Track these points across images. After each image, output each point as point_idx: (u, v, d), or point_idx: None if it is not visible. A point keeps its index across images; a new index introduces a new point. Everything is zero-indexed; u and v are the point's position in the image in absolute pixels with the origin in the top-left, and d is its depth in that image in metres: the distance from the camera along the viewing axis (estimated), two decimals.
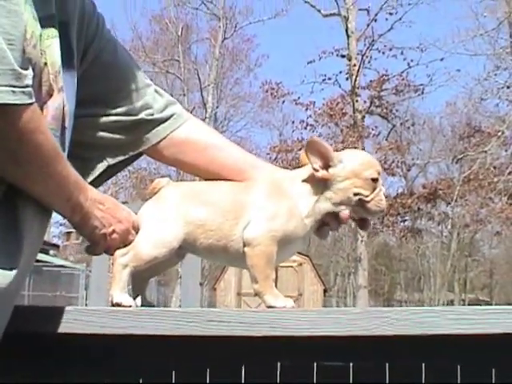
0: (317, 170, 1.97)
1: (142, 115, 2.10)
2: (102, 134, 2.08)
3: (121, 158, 2.15)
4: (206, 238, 1.99)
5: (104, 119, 2.07)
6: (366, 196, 1.97)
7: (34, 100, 1.51)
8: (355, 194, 1.97)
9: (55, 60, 1.68)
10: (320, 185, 1.99)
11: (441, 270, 46.08)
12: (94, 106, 2.05)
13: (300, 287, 29.88)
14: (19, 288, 1.67)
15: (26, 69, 1.49)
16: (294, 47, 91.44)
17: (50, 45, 1.67)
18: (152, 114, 2.12)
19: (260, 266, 1.94)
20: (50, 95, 1.67)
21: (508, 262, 50.98)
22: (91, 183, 1.97)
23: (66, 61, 1.75)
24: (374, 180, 1.98)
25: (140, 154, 2.19)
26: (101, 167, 2.12)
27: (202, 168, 2.18)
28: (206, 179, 2.19)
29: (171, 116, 2.16)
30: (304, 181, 2.01)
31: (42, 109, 1.63)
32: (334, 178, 1.97)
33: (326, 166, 1.97)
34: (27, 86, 1.48)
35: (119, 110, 2.08)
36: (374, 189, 1.98)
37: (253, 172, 2.14)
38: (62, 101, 1.71)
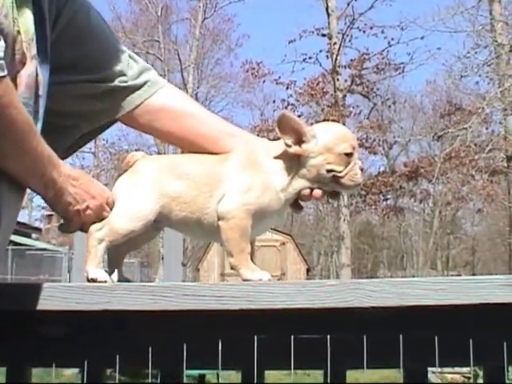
0: (289, 146, 1.95)
1: (115, 82, 2.06)
2: (76, 101, 2.04)
3: (95, 125, 2.12)
4: (181, 211, 1.98)
5: (78, 86, 2.03)
6: (340, 172, 1.95)
7: (6, 73, 1.48)
8: (328, 171, 1.95)
9: (28, 27, 1.65)
10: (294, 160, 1.97)
11: (423, 248, 46.25)
12: (67, 73, 2.00)
13: (283, 266, 29.91)
14: None
15: None
16: (274, 27, 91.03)
17: (23, 12, 1.63)
18: (126, 81, 2.08)
19: (235, 239, 1.92)
20: (23, 63, 1.64)
21: (490, 238, 51.18)
22: (65, 151, 1.96)
23: (39, 27, 1.71)
24: (348, 154, 1.96)
25: (114, 121, 2.17)
26: (75, 135, 2.09)
27: (178, 136, 2.16)
28: (181, 147, 2.17)
29: (145, 83, 2.12)
30: (279, 155, 1.99)
31: (15, 77, 1.61)
32: (307, 154, 1.95)
33: (299, 142, 1.96)
34: (0, 59, 1.45)
35: (93, 76, 2.04)
36: (349, 163, 1.96)
37: (229, 141, 2.11)
38: (35, 69, 1.68)
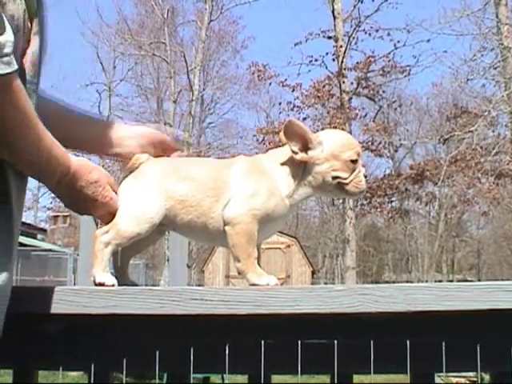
0: (296, 153, 1.96)
1: None
2: None
3: None
4: (186, 214, 1.98)
5: None
6: (345, 179, 1.96)
7: (15, 68, 1.45)
8: (333, 178, 1.97)
9: (32, 4, 1.63)
10: (300, 167, 1.98)
11: (428, 251, 46.16)
12: None
13: (288, 269, 29.92)
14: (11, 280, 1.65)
15: (2, 33, 1.41)
16: (280, 29, 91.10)
17: None
18: None
19: (241, 244, 1.93)
20: (28, 41, 1.62)
21: (495, 242, 51.10)
22: None
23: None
24: (354, 161, 1.97)
25: None
26: None
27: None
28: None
29: None
30: (285, 162, 2.00)
31: (23, 55, 1.59)
32: (313, 161, 1.97)
33: (306, 149, 1.97)
34: (6, 55, 1.41)
35: None
36: (354, 170, 1.97)
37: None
38: (38, 45, 1.66)
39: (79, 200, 1.87)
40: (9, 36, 1.43)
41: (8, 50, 1.42)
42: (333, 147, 1.98)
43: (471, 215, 48.36)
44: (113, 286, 1.88)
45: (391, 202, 34.94)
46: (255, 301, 1.72)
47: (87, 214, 1.95)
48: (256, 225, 1.93)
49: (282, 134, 1.97)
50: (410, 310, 1.71)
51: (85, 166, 1.84)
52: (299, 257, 31.11)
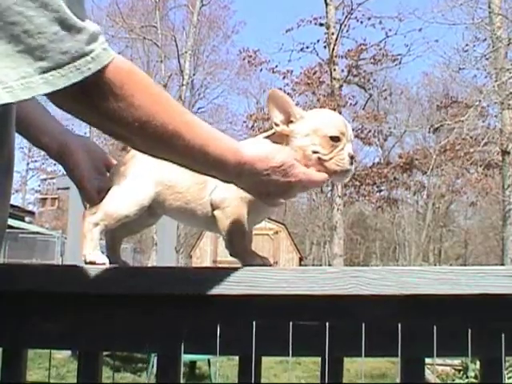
0: (277, 125, 1.91)
1: None
2: None
3: None
4: (175, 200, 1.98)
5: None
6: (325, 154, 1.88)
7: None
8: (314, 152, 1.87)
9: None
10: (282, 143, 1.91)
11: (416, 240, 46.41)
12: None
13: (276, 255, 30.00)
14: None
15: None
16: (271, 15, 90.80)
17: None
18: None
19: (232, 227, 1.92)
20: None
21: (483, 232, 51.35)
22: None
23: None
24: (334, 138, 1.89)
25: None
26: None
27: None
28: None
29: None
30: (267, 140, 1.95)
31: None
32: (293, 135, 1.90)
33: (288, 122, 1.91)
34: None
35: None
36: (335, 148, 1.90)
37: None
38: None
39: (268, 186, 1.75)
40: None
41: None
42: (314, 122, 1.91)
43: (459, 205, 48.66)
44: (103, 264, 1.87)
45: (380, 190, 35.03)
46: (248, 281, 1.72)
47: (280, 198, 1.85)
48: (245, 207, 1.91)
49: (266, 105, 1.93)
50: (403, 293, 1.71)
51: (263, 155, 1.72)
52: (287, 243, 31.23)
